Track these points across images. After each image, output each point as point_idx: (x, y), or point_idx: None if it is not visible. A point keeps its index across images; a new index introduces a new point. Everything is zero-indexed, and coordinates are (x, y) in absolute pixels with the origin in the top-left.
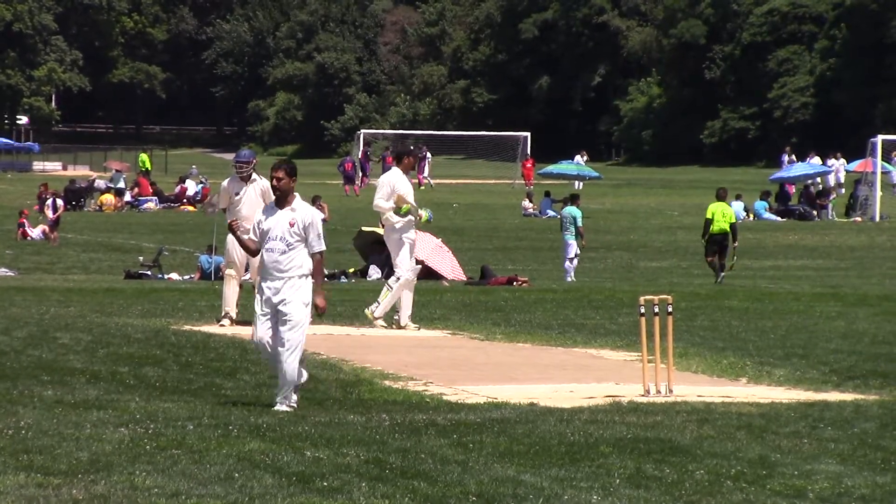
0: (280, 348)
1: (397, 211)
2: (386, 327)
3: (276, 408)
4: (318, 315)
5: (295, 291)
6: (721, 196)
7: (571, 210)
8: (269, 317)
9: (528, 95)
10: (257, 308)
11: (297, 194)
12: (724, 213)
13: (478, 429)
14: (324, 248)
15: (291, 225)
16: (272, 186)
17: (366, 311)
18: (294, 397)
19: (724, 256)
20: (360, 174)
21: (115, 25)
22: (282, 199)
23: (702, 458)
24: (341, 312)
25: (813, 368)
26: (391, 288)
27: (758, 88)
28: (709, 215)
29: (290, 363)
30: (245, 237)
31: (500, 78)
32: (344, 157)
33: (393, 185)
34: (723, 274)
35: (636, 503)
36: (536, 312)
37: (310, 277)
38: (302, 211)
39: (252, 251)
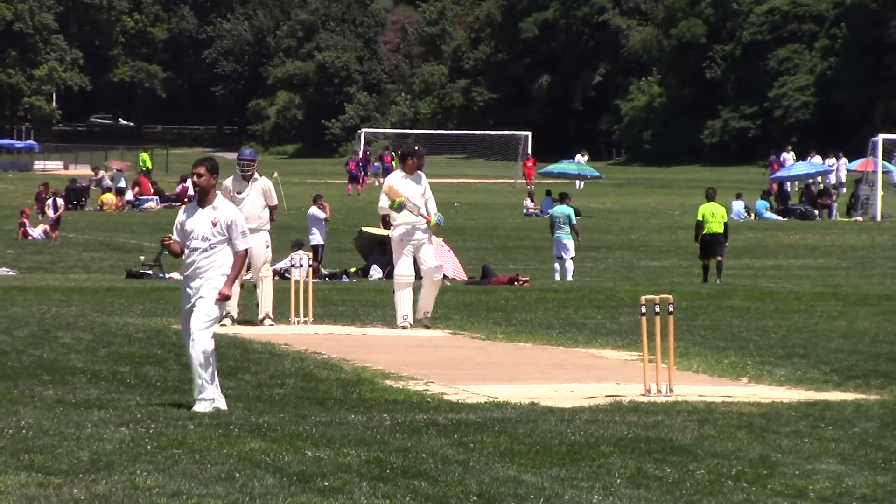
0: (189, 341)
1: (392, 205)
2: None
3: (194, 408)
4: (218, 299)
5: (210, 288)
6: (711, 196)
7: (563, 209)
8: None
9: (529, 95)
10: (183, 311)
11: (218, 193)
12: (713, 214)
13: (479, 428)
14: (247, 245)
15: (214, 224)
16: (193, 183)
17: (423, 323)
18: (212, 392)
19: (720, 255)
20: (362, 173)
21: (115, 24)
22: (203, 196)
23: (702, 458)
24: (342, 312)
25: (814, 368)
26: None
27: (758, 88)
28: (699, 217)
29: (197, 357)
30: (172, 245)
31: (501, 77)
32: (350, 156)
33: (391, 185)
34: (719, 272)
35: (637, 503)
36: (537, 312)
37: (227, 276)
38: (223, 209)
39: (178, 254)
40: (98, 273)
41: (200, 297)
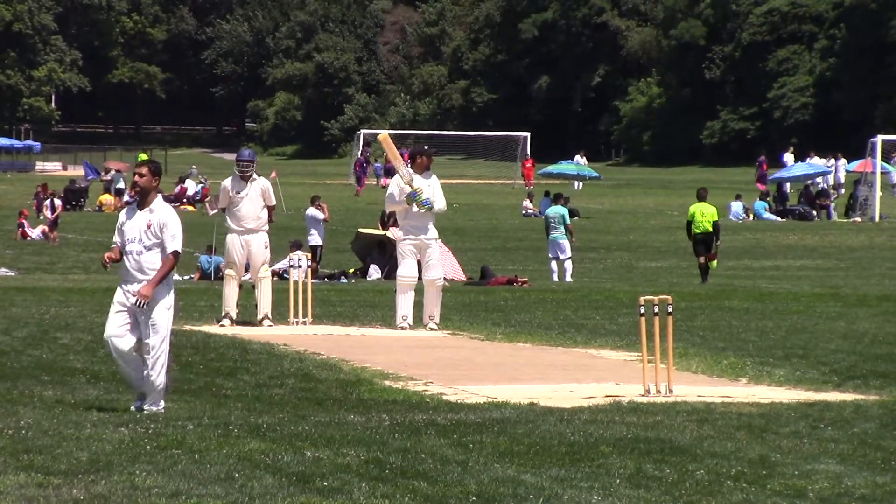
0: (146, 356)
1: (408, 193)
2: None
3: (146, 409)
4: (137, 302)
5: (154, 296)
6: (702, 196)
7: (558, 209)
8: (124, 315)
9: (528, 95)
10: (113, 306)
11: (159, 195)
12: (703, 214)
13: (478, 429)
14: (178, 248)
15: (148, 226)
16: (134, 182)
17: (429, 326)
18: (162, 403)
19: (708, 255)
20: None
21: (114, 25)
22: (143, 198)
23: (702, 458)
24: (341, 313)
25: (813, 368)
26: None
27: (757, 89)
28: (689, 217)
29: (157, 370)
30: (112, 256)
31: (500, 78)
32: (357, 158)
33: (399, 185)
34: (707, 275)
35: (636, 503)
36: (536, 312)
37: (170, 281)
38: (159, 212)
39: (116, 260)
40: (97, 274)
41: (151, 325)
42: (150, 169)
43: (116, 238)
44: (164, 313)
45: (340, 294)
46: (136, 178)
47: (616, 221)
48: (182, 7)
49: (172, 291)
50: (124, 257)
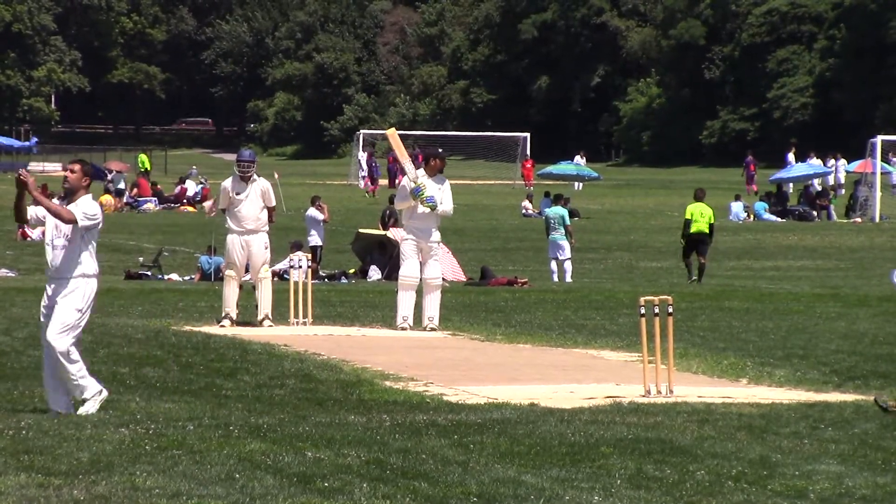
0: (51, 353)
1: (415, 188)
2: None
3: (81, 411)
4: (18, 182)
5: (68, 293)
6: (699, 197)
7: (558, 210)
8: (47, 317)
9: (528, 96)
10: (43, 309)
11: (89, 195)
12: (702, 214)
13: (478, 429)
14: (78, 218)
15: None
16: (64, 178)
17: (428, 327)
18: (93, 388)
19: (704, 256)
20: (366, 175)
21: (114, 26)
22: (70, 195)
23: (702, 459)
24: (341, 313)
25: (813, 369)
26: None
27: (757, 89)
28: (688, 216)
29: (65, 367)
30: (36, 195)
31: (500, 78)
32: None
33: (407, 181)
34: (700, 275)
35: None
36: (536, 313)
37: (91, 279)
38: (83, 205)
39: (23, 218)
40: None
41: (56, 321)
42: (83, 168)
43: (43, 229)
44: (72, 312)
45: (341, 294)
46: (68, 173)
47: (616, 222)
48: (182, 7)
49: (87, 295)
50: (48, 249)
